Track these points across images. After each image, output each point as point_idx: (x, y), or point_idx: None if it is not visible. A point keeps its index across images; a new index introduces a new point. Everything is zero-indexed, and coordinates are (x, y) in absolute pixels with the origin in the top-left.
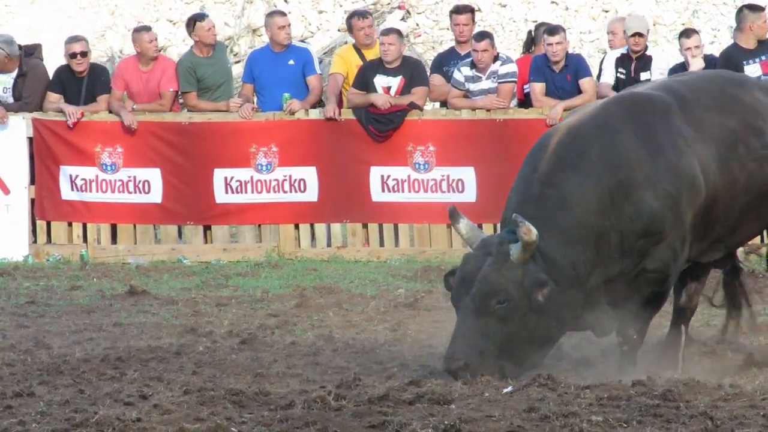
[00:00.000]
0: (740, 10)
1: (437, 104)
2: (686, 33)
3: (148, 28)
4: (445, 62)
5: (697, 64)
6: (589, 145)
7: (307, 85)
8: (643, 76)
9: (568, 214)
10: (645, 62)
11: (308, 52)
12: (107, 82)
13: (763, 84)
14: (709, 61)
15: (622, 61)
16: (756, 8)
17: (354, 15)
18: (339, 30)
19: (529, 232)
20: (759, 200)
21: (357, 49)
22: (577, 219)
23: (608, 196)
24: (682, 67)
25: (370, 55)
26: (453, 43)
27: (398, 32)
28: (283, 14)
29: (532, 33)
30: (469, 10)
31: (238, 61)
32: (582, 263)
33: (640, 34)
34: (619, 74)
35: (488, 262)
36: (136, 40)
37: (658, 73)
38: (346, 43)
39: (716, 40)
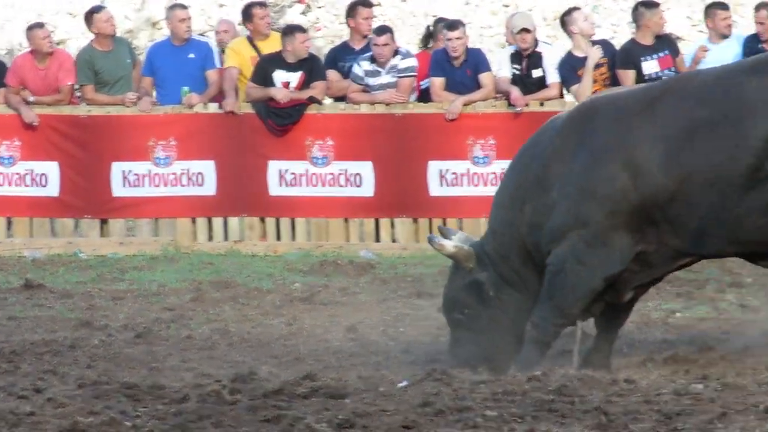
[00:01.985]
0: (636, 8)
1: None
2: (568, 12)
3: (41, 25)
4: (340, 57)
5: (595, 54)
6: (535, 143)
7: (206, 79)
8: (535, 73)
9: (492, 211)
10: (536, 59)
11: (208, 45)
12: (5, 75)
13: None
14: (605, 45)
15: (515, 58)
16: (651, 5)
17: (254, 4)
18: (239, 24)
19: (442, 247)
20: (735, 191)
21: (251, 40)
22: (498, 214)
23: (523, 188)
24: (572, 58)
25: (265, 46)
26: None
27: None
28: (184, 7)
29: (431, 28)
30: (368, 5)
31: (139, 54)
32: (508, 258)
33: (526, 30)
34: (514, 69)
35: (448, 278)
36: (30, 37)
37: (552, 68)
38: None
39: (616, 35)
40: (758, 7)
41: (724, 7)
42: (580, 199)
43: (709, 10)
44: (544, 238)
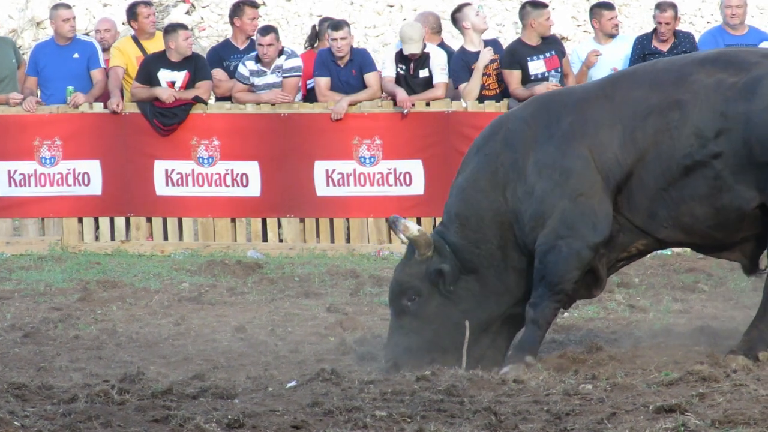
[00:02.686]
0: (523, 7)
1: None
2: (459, 9)
3: None
4: (225, 56)
5: (486, 56)
6: (498, 130)
7: (91, 79)
8: (422, 73)
9: (461, 197)
10: (423, 60)
11: (93, 45)
12: None
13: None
14: (494, 44)
15: (401, 58)
16: (538, 5)
17: (139, 3)
18: (123, 23)
19: (407, 229)
20: (675, 175)
21: (136, 40)
22: (469, 200)
23: (502, 173)
24: (465, 53)
25: (150, 46)
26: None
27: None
28: (68, 7)
29: (317, 28)
30: (255, 5)
31: (23, 54)
32: (485, 242)
33: (414, 42)
34: (399, 69)
35: (398, 264)
36: None
37: (438, 69)
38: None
39: (501, 35)
40: (664, 7)
41: (610, 7)
42: (560, 178)
43: (595, 10)
44: (528, 224)
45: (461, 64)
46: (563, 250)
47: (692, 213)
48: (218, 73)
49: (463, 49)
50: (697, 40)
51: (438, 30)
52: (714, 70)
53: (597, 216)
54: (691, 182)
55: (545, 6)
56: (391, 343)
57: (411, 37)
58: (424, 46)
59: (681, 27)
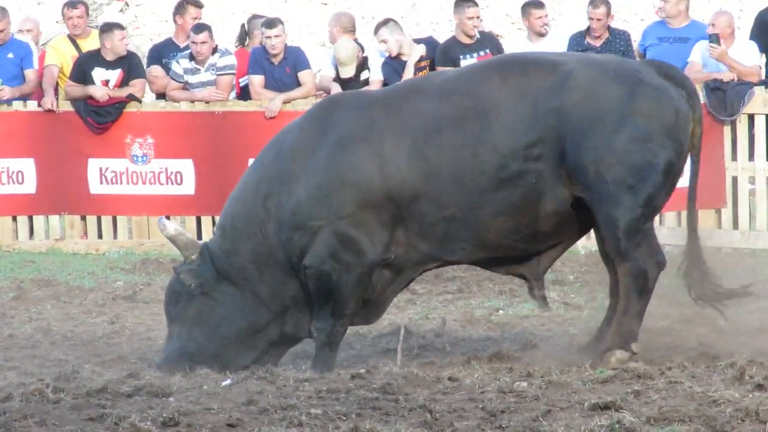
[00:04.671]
0: (456, 3)
1: (153, 96)
2: (385, 22)
3: None
4: (165, 54)
5: (416, 53)
6: (276, 139)
7: (25, 79)
8: (363, 75)
9: (227, 207)
10: (363, 63)
11: (27, 45)
12: None
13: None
14: (429, 43)
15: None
16: (464, 1)
17: (66, 5)
18: (57, 22)
19: (164, 228)
20: (480, 191)
21: (72, 39)
22: (232, 210)
23: (266, 184)
24: (391, 60)
25: (85, 44)
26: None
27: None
28: (2, 8)
29: (245, 26)
30: (199, 5)
31: None
32: (236, 255)
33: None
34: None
35: None
36: None
37: (373, 67)
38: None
39: (435, 33)
40: (596, 4)
41: (539, 6)
42: (330, 188)
43: (525, 9)
44: (295, 232)
45: (389, 69)
46: (334, 277)
47: (499, 228)
48: (156, 70)
49: (390, 59)
50: (633, 36)
51: (351, 29)
52: (509, 75)
53: (365, 241)
54: (504, 195)
55: (472, 4)
56: (164, 351)
57: (343, 63)
58: (363, 59)
59: (615, 25)
